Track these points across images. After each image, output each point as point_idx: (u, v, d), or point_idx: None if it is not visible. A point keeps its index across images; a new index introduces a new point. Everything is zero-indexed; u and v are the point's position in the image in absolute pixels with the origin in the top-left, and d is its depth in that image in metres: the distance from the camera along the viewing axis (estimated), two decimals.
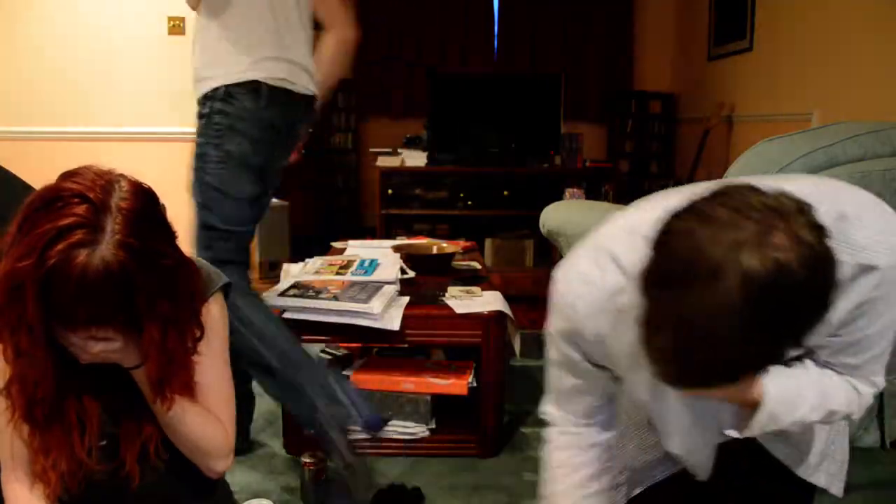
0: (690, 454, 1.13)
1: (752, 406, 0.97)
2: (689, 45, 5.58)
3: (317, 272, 2.20)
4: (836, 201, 0.94)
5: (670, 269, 0.80)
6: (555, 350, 1.12)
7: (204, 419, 1.11)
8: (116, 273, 0.90)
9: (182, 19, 3.79)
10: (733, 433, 1.03)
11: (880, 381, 1.05)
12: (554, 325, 1.10)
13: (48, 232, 0.89)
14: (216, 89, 1.77)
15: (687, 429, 1.09)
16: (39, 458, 1.05)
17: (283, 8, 1.81)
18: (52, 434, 1.05)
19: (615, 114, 6.03)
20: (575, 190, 4.36)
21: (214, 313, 1.13)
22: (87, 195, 0.91)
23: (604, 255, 1.02)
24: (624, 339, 0.97)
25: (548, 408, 1.20)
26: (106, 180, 0.94)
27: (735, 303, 0.74)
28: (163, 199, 1.04)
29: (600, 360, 1.07)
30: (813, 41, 3.61)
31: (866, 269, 0.92)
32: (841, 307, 0.93)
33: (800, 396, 0.98)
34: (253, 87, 1.76)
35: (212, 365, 1.12)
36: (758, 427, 0.98)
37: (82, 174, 0.95)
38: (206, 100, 1.80)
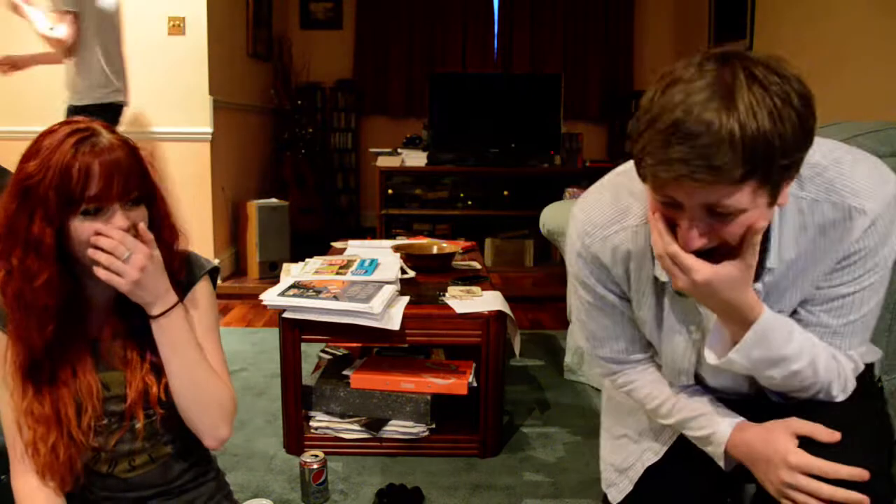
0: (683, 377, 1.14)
1: (746, 327, 0.97)
2: (688, 45, 5.57)
3: (317, 272, 2.20)
4: (834, 149, 1.01)
5: (651, 99, 0.87)
6: (581, 290, 1.17)
7: (215, 374, 1.13)
8: (129, 150, 1.03)
9: (182, 19, 3.80)
10: (712, 359, 1.01)
11: (858, 358, 1.04)
12: (575, 258, 1.15)
13: (52, 141, 0.99)
14: None
15: (682, 352, 1.11)
16: (30, 425, 1.05)
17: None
18: (45, 401, 1.05)
19: (615, 114, 6.03)
20: (575, 190, 4.36)
21: (205, 293, 1.18)
22: (71, 121, 1.03)
23: (612, 184, 1.14)
24: (634, 251, 1.08)
25: (596, 361, 1.24)
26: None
27: (716, 88, 0.81)
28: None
29: (617, 283, 1.13)
30: (813, 41, 3.61)
31: (856, 211, 0.96)
32: (829, 250, 0.98)
33: (792, 332, 0.99)
34: None
35: (208, 339, 1.16)
36: (746, 348, 0.96)
37: None
38: None
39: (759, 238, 0.89)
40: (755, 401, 1.13)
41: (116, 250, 0.99)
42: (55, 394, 1.06)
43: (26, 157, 1.01)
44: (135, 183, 1.02)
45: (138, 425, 1.11)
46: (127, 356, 1.11)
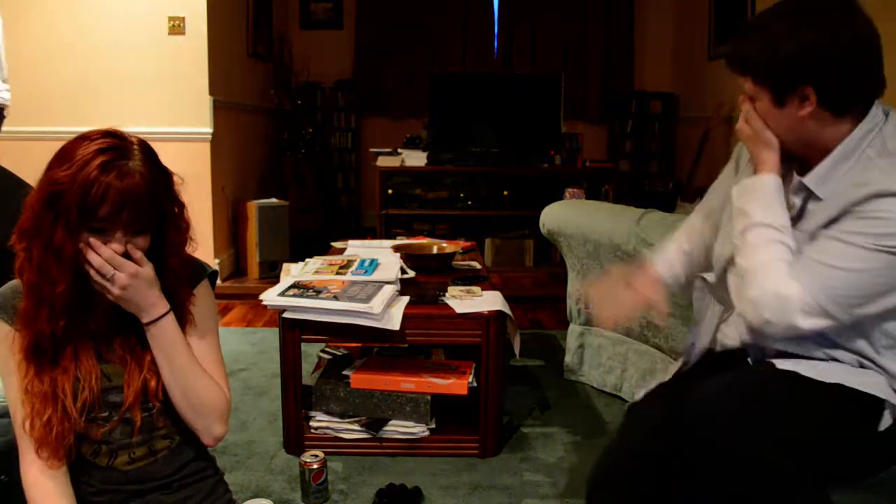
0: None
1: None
2: (688, 45, 5.58)
3: (317, 272, 2.20)
4: None
5: None
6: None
7: (206, 377, 1.19)
8: (150, 181, 1.07)
9: (182, 19, 3.80)
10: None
11: (798, 301, 1.09)
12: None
13: (85, 152, 1.04)
14: None
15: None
16: (28, 400, 1.10)
17: None
18: (44, 379, 1.10)
19: (615, 114, 6.03)
20: (575, 190, 4.36)
21: (205, 295, 1.24)
22: (109, 132, 1.09)
23: None
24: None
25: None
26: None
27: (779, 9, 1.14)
28: None
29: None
30: None
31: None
32: (849, 193, 1.11)
33: (780, 216, 1.17)
34: None
35: (205, 341, 1.22)
36: (741, 187, 1.23)
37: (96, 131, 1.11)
38: None
39: (745, 115, 1.22)
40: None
41: (102, 269, 1.07)
42: (55, 374, 1.11)
43: (60, 159, 1.06)
44: (144, 215, 1.08)
45: (136, 421, 1.15)
46: (126, 358, 1.15)
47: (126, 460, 1.18)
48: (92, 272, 1.07)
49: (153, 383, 1.15)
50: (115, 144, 1.06)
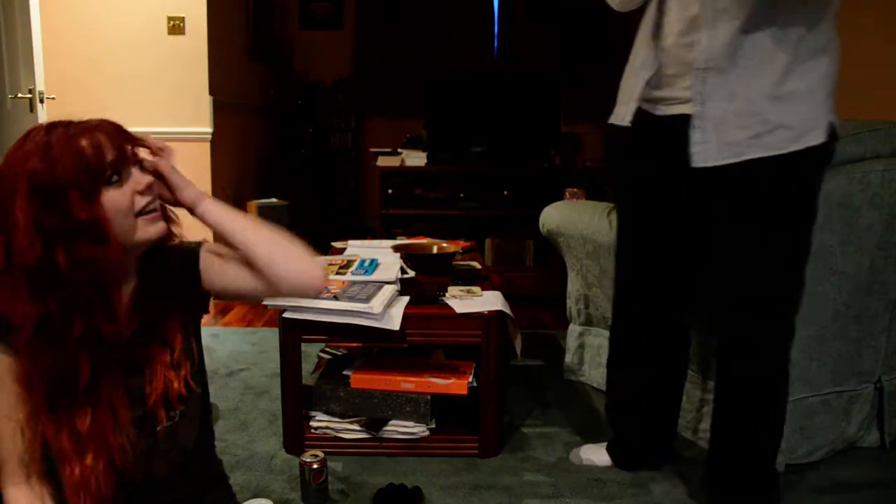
0: None
1: None
2: None
3: None
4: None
5: None
6: None
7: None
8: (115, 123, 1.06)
9: (182, 19, 3.79)
10: None
11: None
12: None
13: (37, 139, 1.00)
14: None
15: None
16: (75, 463, 0.99)
17: None
18: (86, 429, 1.00)
19: None
20: (575, 190, 4.36)
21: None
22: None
23: None
24: None
25: None
26: None
27: None
28: None
29: None
30: None
31: None
32: None
33: None
34: None
35: None
36: None
37: None
38: None
39: None
40: None
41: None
42: (93, 420, 1.01)
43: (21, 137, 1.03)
44: (132, 145, 1.12)
45: (159, 428, 1.08)
46: (150, 354, 1.09)
47: (140, 478, 1.12)
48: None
49: (175, 385, 1.08)
50: (55, 121, 1.04)
